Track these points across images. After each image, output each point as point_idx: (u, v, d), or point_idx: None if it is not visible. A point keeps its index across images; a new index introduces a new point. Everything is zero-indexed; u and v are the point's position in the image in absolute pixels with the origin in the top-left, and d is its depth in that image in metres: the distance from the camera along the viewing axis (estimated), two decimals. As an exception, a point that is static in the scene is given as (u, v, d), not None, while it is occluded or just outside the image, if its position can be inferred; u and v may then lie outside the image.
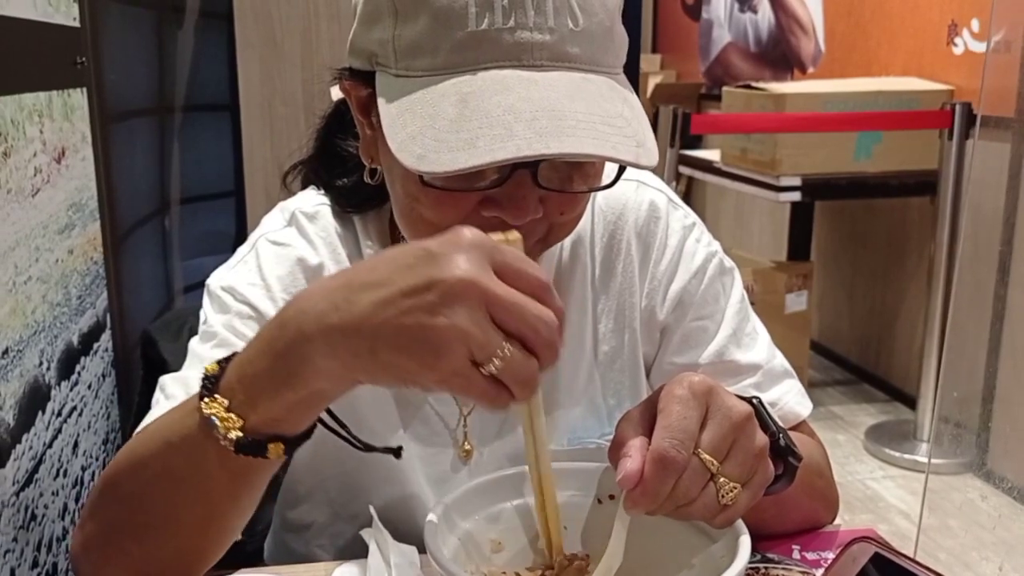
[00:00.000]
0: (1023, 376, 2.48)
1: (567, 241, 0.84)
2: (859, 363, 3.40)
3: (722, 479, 0.58)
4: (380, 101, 0.66)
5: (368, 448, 0.64)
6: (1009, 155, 2.52)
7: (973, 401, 2.64)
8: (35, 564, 0.94)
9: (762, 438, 0.60)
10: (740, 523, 0.60)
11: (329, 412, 0.63)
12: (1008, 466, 2.50)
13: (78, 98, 1.19)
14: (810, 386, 3.20)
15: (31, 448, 0.94)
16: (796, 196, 2.89)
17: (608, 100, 0.65)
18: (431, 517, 0.62)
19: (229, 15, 1.73)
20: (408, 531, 0.73)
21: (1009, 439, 2.52)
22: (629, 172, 0.90)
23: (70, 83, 1.16)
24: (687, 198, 4.64)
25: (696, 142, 3.66)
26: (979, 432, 2.59)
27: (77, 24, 1.19)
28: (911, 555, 0.66)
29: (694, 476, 0.57)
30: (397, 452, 0.65)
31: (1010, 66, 2.50)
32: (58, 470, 1.03)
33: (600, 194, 0.87)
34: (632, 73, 1.91)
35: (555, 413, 0.84)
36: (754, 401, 0.64)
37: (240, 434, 0.57)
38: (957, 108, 2.62)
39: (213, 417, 0.58)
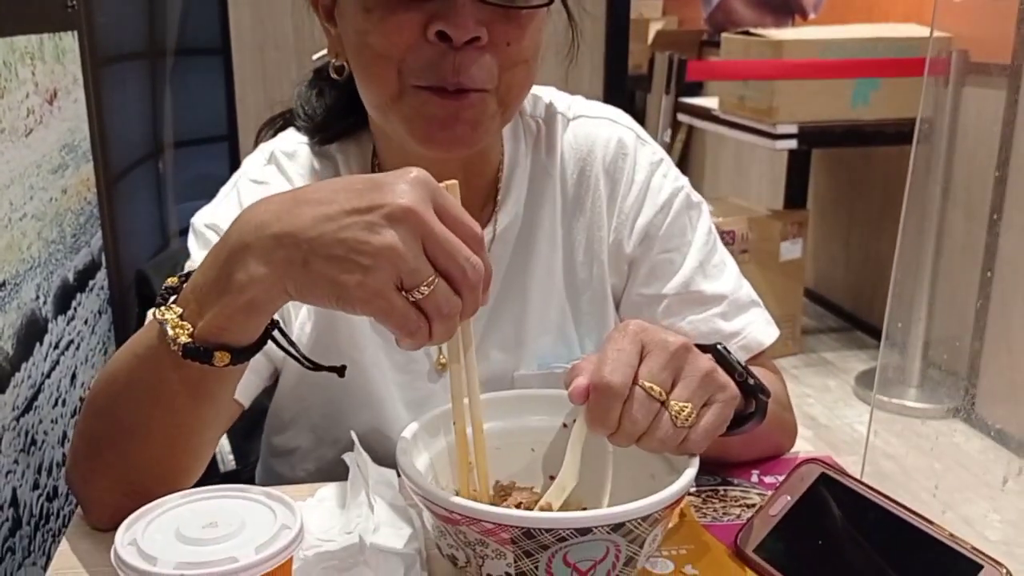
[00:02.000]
0: (1012, 322, 2.51)
1: (536, 178, 0.87)
2: (852, 311, 3.44)
3: (674, 403, 0.61)
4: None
5: (315, 367, 0.68)
6: (1004, 102, 2.52)
7: (962, 347, 2.68)
8: (36, 486, 0.99)
9: (706, 362, 0.63)
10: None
11: (282, 333, 0.66)
12: (993, 411, 2.54)
13: (69, 41, 1.21)
14: (803, 333, 3.24)
15: (30, 377, 0.99)
16: (792, 144, 2.89)
17: None
18: (404, 434, 0.66)
19: (220, -41, 1.74)
20: (386, 455, 0.77)
21: (996, 384, 2.56)
22: (599, 110, 0.93)
23: (61, 26, 1.17)
24: (687, 146, 4.63)
25: (698, 89, 3.65)
26: (967, 378, 2.64)
27: (67, -33, 1.21)
28: (858, 477, 0.70)
29: (642, 404, 0.60)
30: (340, 371, 0.68)
31: (1007, 14, 2.48)
32: (56, 399, 1.07)
33: (570, 131, 0.90)
34: (620, 18, 1.92)
35: (526, 341, 0.88)
36: (718, 347, 0.67)
37: (188, 340, 0.60)
38: (953, 55, 2.62)
39: (165, 324, 0.61)
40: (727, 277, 0.90)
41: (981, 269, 2.59)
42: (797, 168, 3.36)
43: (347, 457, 0.76)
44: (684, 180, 0.92)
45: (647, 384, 0.60)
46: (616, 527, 0.56)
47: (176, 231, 1.71)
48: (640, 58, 3.78)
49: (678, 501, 0.59)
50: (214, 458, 1.15)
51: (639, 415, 0.60)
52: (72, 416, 1.13)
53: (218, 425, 0.71)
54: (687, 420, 0.61)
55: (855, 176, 3.38)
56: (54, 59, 1.13)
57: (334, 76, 0.81)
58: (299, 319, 0.86)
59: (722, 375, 0.64)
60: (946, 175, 2.65)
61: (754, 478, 0.82)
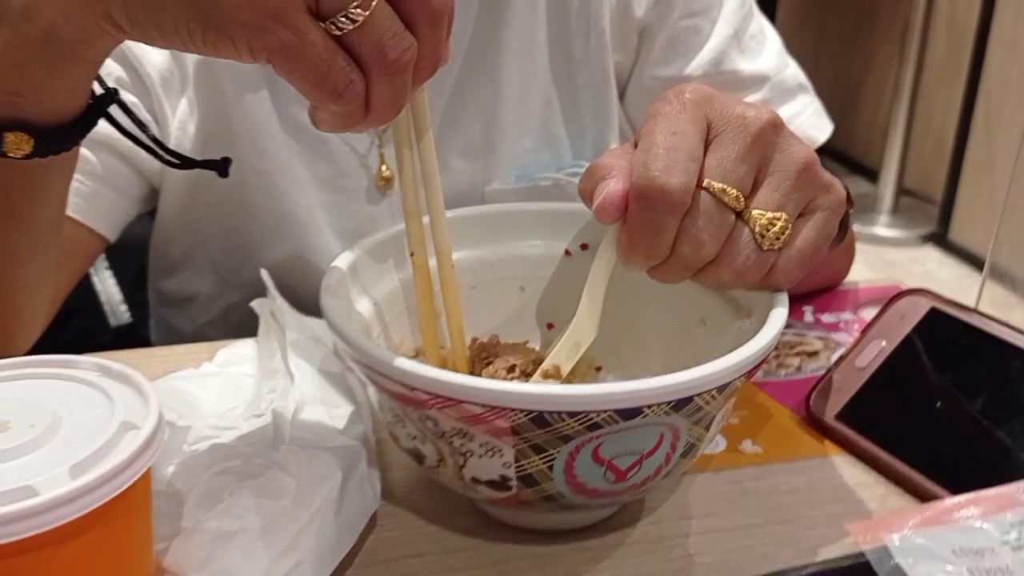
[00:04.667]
0: (995, 147, 2.34)
1: None
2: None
3: (756, 213, 0.38)
4: None
5: (185, 162, 0.45)
6: None
7: (938, 171, 2.52)
8: None
9: (803, 149, 0.40)
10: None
11: (121, 106, 0.43)
12: (970, 236, 2.42)
13: None
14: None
15: None
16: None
17: None
18: (335, 264, 0.44)
19: None
20: (311, 299, 0.55)
21: (973, 209, 2.43)
22: None
23: None
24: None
25: None
26: (943, 203, 2.49)
27: None
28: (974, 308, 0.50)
29: (710, 218, 0.37)
30: (223, 165, 0.45)
31: None
32: None
33: None
34: None
35: (499, 144, 0.65)
36: None
37: None
38: None
39: None
40: (769, 52, 0.68)
41: (965, 85, 2.39)
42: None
43: (256, 304, 0.55)
44: None
45: (718, 185, 0.38)
46: (680, 403, 0.35)
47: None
48: None
49: (765, 360, 0.38)
50: (102, 310, 0.92)
51: (706, 234, 0.38)
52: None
53: (43, 261, 0.48)
54: (777, 238, 0.39)
55: (827, -11, 3.11)
56: None
57: None
58: (178, 115, 0.61)
59: (822, 171, 0.41)
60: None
61: (808, 316, 0.62)
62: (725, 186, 0.38)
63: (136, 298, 0.93)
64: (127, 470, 0.30)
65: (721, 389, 0.36)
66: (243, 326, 0.66)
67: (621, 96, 0.68)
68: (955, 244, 2.45)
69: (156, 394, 0.33)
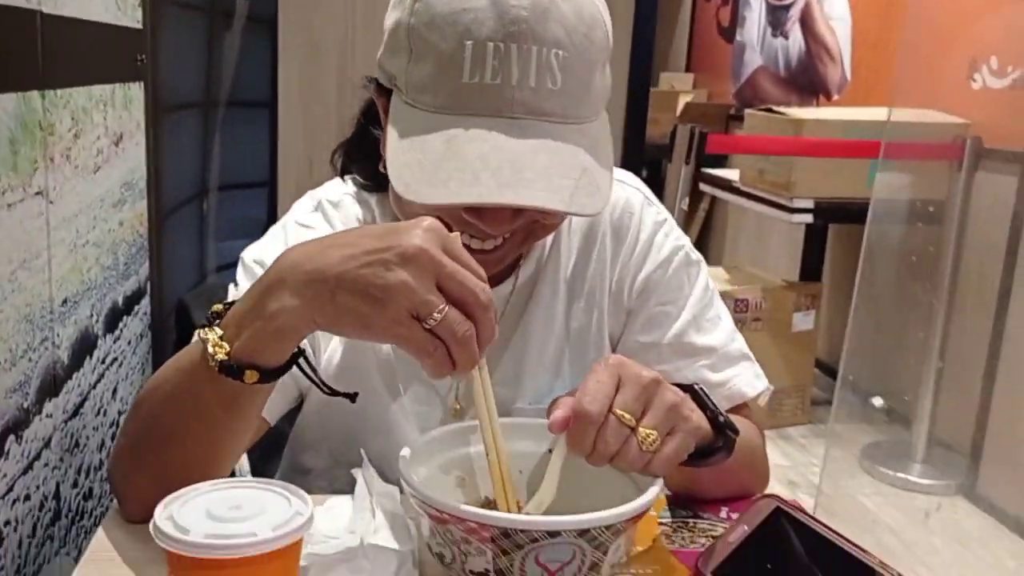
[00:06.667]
0: (1017, 405, 2.55)
1: (555, 235, 0.98)
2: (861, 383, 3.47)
3: (642, 430, 0.70)
4: (389, 122, 0.82)
5: (331, 392, 0.77)
6: (1016, 188, 2.60)
7: (967, 427, 2.72)
8: (75, 484, 1.09)
9: (673, 396, 0.72)
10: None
11: (306, 359, 0.74)
12: (995, 491, 2.57)
13: (136, 91, 1.34)
14: (813, 404, 3.29)
15: (79, 386, 1.09)
16: (808, 218, 2.99)
17: (570, 153, 0.78)
18: (404, 452, 0.75)
19: (273, 21, 1.89)
20: (395, 478, 0.86)
21: (999, 466, 2.60)
22: None
23: (130, 77, 1.31)
24: (710, 215, 4.74)
25: (723, 161, 3.77)
26: (971, 457, 2.67)
27: (140, 26, 1.35)
28: (811, 513, 0.78)
29: (614, 431, 0.69)
30: (353, 397, 0.77)
31: (1021, 103, 2.58)
32: (99, 410, 1.18)
33: None
34: (641, 90, 2.04)
35: (524, 377, 0.97)
36: (695, 387, 0.77)
37: (225, 357, 0.69)
38: (968, 141, 2.71)
39: (207, 342, 0.70)
40: (720, 331, 0.99)
41: (987, 353, 2.64)
42: (813, 242, 3.45)
43: (356, 471, 0.85)
44: (685, 240, 1.01)
45: (619, 412, 0.69)
46: (582, 532, 0.65)
47: (214, 267, 1.83)
48: (667, 128, 3.91)
49: (639, 515, 0.68)
50: (233, 473, 1.25)
51: (611, 439, 0.69)
52: (111, 426, 1.24)
53: (245, 438, 0.80)
54: (652, 445, 0.70)
55: (870, 253, 3.45)
56: (122, 106, 1.26)
57: (381, 170, 0.88)
58: (328, 350, 0.96)
59: (687, 408, 0.73)
60: (956, 258, 2.72)
61: (723, 513, 0.90)
62: (624, 412, 0.69)
63: (259, 468, 1.27)
64: (297, 531, 0.61)
65: (608, 527, 0.66)
66: (342, 491, 0.98)
67: (613, 350, 1.00)
68: (983, 497, 2.60)
69: (311, 502, 0.65)
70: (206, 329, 0.71)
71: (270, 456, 1.16)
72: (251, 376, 0.70)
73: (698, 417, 0.74)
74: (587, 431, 0.69)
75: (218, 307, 0.74)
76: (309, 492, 1.02)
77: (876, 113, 3.09)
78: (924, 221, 2.90)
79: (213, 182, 1.83)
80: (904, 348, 3.08)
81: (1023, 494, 2.48)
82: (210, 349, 0.70)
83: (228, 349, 0.69)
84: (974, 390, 2.69)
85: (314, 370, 0.76)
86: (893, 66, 3.32)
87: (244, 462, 1.27)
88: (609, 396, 0.70)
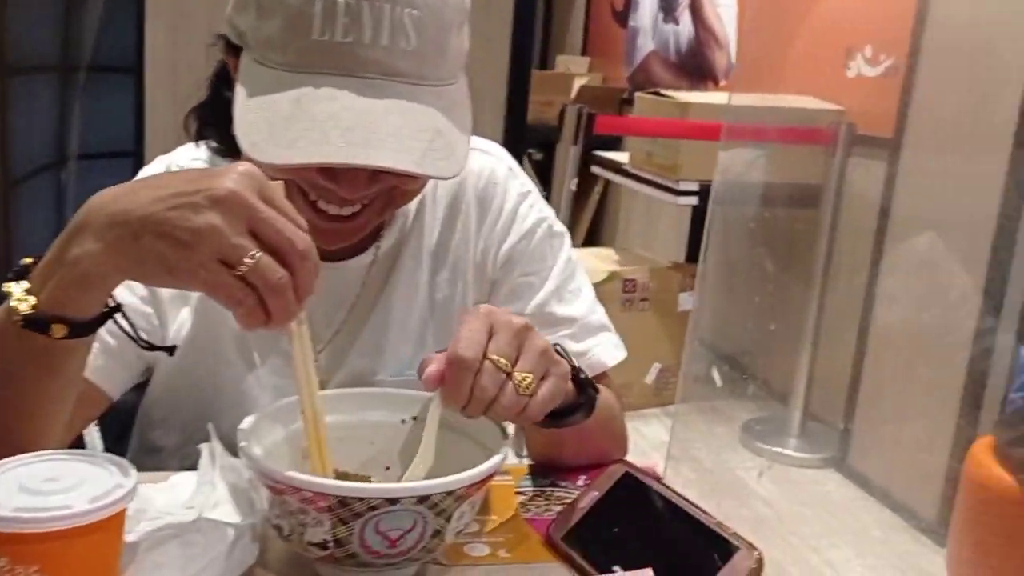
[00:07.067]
0: (882, 381, 2.68)
1: (418, 204, 0.96)
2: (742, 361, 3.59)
3: (518, 374, 0.69)
4: (238, 81, 0.78)
5: (149, 346, 0.73)
6: (884, 173, 2.72)
7: (838, 403, 2.84)
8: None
9: (543, 341, 0.72)
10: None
11: (122, 314, 0.70)
12: (864, 464, 2.70)
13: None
14: (695, 381, 3.38)
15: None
16: (694, 200, 3.06)
17: (424, 114, 0.76)
18: (244, 423, 0.72)
19: (138, -19, 1.80)
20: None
21: (867, 440, 2.72)
22: (474, 142, 1.03)
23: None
24: (603, 198, 4.80)
25: (617, 144, 3.81)
26: (842, 430, 2.79)
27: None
28: (660, 478, 0.79)
29: (490, 376, 0.68)
30: (171, 350, 0.75)
31: (893, 89, 2.69)
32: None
33: None
34: (522, 68, 2.04)
35: (386, 348, 0.95)
36: (555, 346, 0.76)
37: (30, 311, 0.64)
38: (842, 127, 2.82)
39: (10, 297, 0.65)
40: (581, 302, 0.99)
41: (857, 333, 2.76)
42: (699, 224, 3.52)
43: (203, 446, 0.82)
44: (549, 211, 1.01)
45: (494, 357, 0.68)
46: (422, 499, 0.64)
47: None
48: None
49: (483, 481, 0.67)
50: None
51: (488, 384, 0.68)
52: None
53: (65, 405, 0.74)
54: (528, 388, 0.69)
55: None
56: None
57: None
58: (179, 319, 0.92)
59: (557, 354, 0.73)
60: (830, 240, 2.83)
61: (580, 481, 0.90)
62: (499, 357, 0.68)
63: (114, 450, 1.21)
64: (116, 503, 0.58)
65: (449, 494, 0.64)
66: (191, 468, 0.94)
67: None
68: (852, 469, 2.73)
69: (135, 472, 0.61)
70: (11, 284, 0.66)
71: (125, 437, 1.11)
72: (59, 330, 0.65)
73: (566, 364, 0.74)
74: (464, 378, 0.67)
75: (27, 260, 0.68)
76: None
77: (757, 99, 3.18)
78: (800, 205, 3.00)
79: (73, 150, 1.73)
80: (783, 329, 3.19)
81: (889, 467, 2.61)
82: (12, 303, 0.65)
83: (34, 302, 0.65)
84: (845, 369, 2.81)
85: (131, 324, 0.71)
86: (775, 54, 3.42)
87: (98, 443, 1.21)
88: (482, 343, 0.69)
